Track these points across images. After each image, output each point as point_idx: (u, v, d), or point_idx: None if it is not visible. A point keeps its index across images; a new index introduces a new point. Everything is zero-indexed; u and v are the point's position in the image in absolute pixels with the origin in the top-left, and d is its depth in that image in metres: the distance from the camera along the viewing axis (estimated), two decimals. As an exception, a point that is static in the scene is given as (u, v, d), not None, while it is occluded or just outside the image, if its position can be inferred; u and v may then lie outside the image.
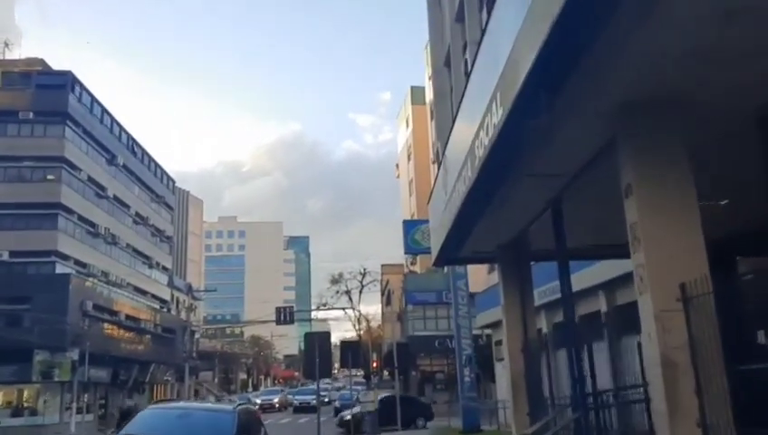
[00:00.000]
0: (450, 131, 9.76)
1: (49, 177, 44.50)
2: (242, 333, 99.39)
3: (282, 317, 41.97)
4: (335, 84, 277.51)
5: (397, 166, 76.49)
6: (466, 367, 19.31)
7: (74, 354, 38.35)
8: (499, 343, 27.27)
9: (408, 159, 64.19)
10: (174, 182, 67.35)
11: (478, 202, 8.22)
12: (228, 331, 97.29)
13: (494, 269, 30.55)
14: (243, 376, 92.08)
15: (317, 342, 14.60)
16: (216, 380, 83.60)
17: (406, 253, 19.54)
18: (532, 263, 12.04)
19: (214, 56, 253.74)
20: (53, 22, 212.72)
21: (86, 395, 41.43)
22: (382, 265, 60.28)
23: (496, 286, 27.94)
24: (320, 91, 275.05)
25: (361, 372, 61.95)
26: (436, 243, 12.83)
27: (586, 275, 15.75)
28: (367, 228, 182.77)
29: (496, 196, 7.99)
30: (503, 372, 27.47)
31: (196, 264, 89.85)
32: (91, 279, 46.27)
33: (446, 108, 14.70)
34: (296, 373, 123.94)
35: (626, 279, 14.41)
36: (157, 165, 61.74)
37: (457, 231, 10.10)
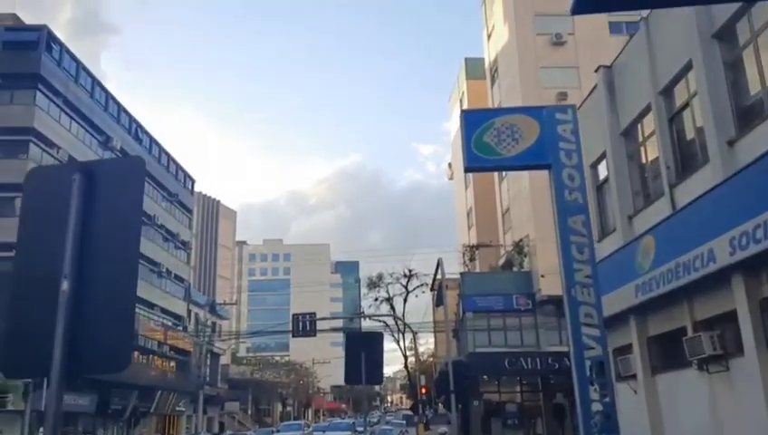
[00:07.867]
0: None
1: (21, 156, 36.12)
2: (287, 362, 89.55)
3: (299, 327, 31.65)
4: (398, 116, 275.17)
5: (449, 165, 66.26)
6: (593, 384, 8.41)
7: (27, 375, 29.45)
8: (624, 350, 16.02)
9: (463, 145, 53.78)
10: (194, 181, 58.36)
11: None
12: (273, 360, 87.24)
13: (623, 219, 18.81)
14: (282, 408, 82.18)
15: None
16: (250, 412, 74.18)
17: (467, 169, 8.76)
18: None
19: (276, 93, 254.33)
20: (135, 66, 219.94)
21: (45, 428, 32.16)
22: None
23: (629, 246, 16.33)
24: (382, 123, 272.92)
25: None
26: None
27: None
28: (428, 258, 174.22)
29: None
30: (636, 401, 16.29)
31: (227, 281, 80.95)
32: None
33: None
34: (343, 405, 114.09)
35: None
36: (170, 158, 52.78)
37: None
